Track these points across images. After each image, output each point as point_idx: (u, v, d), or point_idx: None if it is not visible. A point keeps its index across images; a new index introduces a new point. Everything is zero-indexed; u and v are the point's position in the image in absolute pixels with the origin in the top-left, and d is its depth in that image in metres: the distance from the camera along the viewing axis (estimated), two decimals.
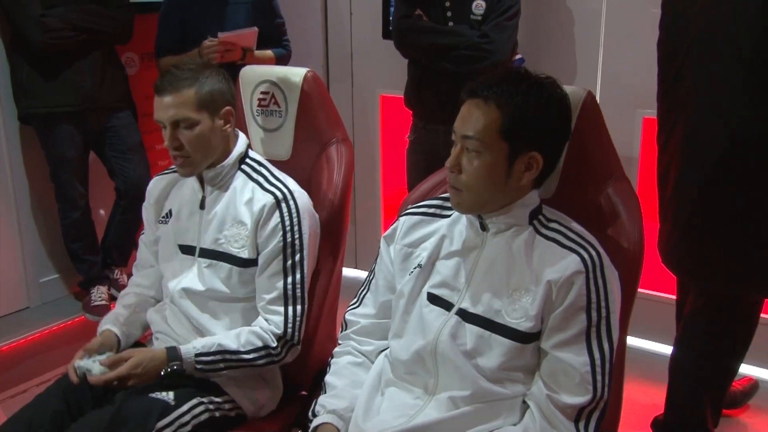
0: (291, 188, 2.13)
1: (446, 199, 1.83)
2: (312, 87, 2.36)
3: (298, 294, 2.09)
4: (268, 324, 2.07)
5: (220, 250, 2.12)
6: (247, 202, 2.10)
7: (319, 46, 4.31)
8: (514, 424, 1.67)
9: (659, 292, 3.45)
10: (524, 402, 1.68)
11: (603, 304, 1.60)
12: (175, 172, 2.22)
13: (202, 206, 2.16)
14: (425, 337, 1.71)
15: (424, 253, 1.80)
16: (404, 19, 3.22)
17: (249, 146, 2.22)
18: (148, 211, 2.31)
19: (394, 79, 3.71)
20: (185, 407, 1.98)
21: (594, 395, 1.59)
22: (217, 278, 2.12)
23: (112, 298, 3.79)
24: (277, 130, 2.40)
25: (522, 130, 1.61)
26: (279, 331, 2.06)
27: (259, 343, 2.05)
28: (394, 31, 3.30)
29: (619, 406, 1.87)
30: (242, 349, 2.03)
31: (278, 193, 2.10)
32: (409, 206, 1.93)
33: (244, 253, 2.10)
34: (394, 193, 4.22)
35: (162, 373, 1.97)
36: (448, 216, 1.82)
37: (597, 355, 1.59)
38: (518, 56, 3.35)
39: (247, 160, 2.19)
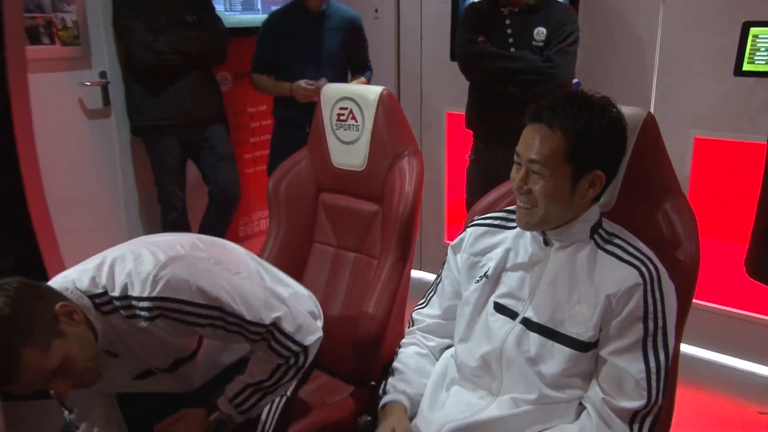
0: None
1: (510, 212, 1.74)
2: (387, 104, 2.31)
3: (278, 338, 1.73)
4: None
5: None
6: None
7: (391, 66, 4.28)
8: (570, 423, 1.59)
9: (712, 303, 3.32)
10: (580, 404, 1.59)
11: (660, 315, 1.50)
12: None
13: None
14: (491, 343, 1.63)
15: (491, 263, 1.70)
16: (470, 45, 3.12)
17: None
18: None
19: (459, 98, 3.61)
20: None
21: (648, 400, 1.49)
22: None
23: None
24: (354, 143, 2.35)
25: (585, 152, 1.50)
26: (281, 361, 1.76)
27: (272, 365, 1.77)
28: (460, 56, 3.20)
29: (671, 410, 1.76)
30: (264, 377, 1.77)
31: (144, 314, 1.61)
32: (476, 217, 1.83)
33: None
34: (456, 201, 4.14)
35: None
36: (513, 227, 1.72)
37: (653, 363, 1.50)
38: (575, 80, 3.24)
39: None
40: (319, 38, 3.45)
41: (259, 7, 4.01)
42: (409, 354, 1.82)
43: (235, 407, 1.77)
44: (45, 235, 2.73)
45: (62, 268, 2.07)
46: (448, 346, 1.82)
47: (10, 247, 2.98)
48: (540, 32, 3.03)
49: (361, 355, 2.13)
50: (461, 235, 1.81)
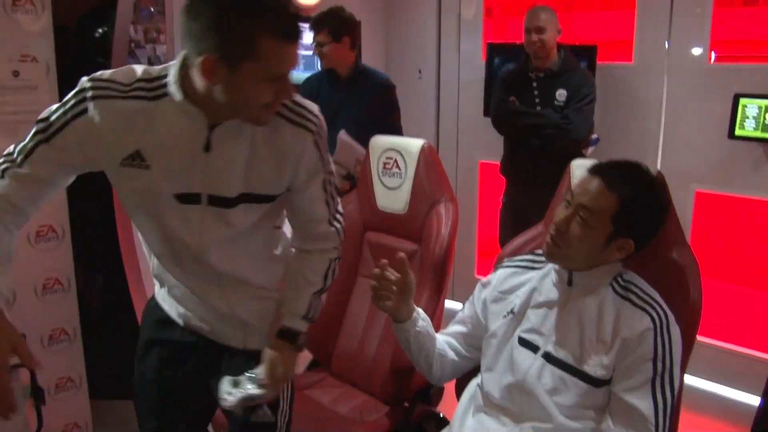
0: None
1: (537, 255, 1.70)
2: (427, 155, 2.27)
3: (339, 208, 1.58)
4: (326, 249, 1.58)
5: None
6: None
7: (432, 120, 4.25)
8: None
9: (711, 339, 3.22)
10: None
11: (668, 357, 1.44)
12: None
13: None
14: (515, 375, 1.56)
15: (517, 300, 1.64)
16: (502, 104, 3.17)
17: None
18: None
19: (490, 149, 3.63)
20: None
21: None
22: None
23: None
24: (397, 189, 2.31)
25: (628, 221, 1.47)
26: (336, 244, 1.59)
27: (326, 265, 1.58)
28: (493, 113, 3.24)
29: None
30: (320, 281, 1.57)
31: (312, 126, 1.41)
32: (505, 260, 1.78)
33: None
34: (486, 239, 4.11)
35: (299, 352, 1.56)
36: (538, 269, 1.66)
37: (660, 401, 1.43)
38: (594, 136, 3.20)
39: None
40: (348, 104, 3.13)
41: (319, 67, 4.02)
42: None
43: (309, 320, 1.56)
44: (129, 256, 2.74)
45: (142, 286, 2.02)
46: (455, 350, 1.74)
47: (101, 267, 3.01)
48: (561, 94, 3.06)
49: (397, 378, 2.07)
50: (491, 276, 1.75)
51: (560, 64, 3.07)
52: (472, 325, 1.74)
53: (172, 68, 1.31)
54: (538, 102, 3.10)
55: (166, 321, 1.61)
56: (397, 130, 3.22)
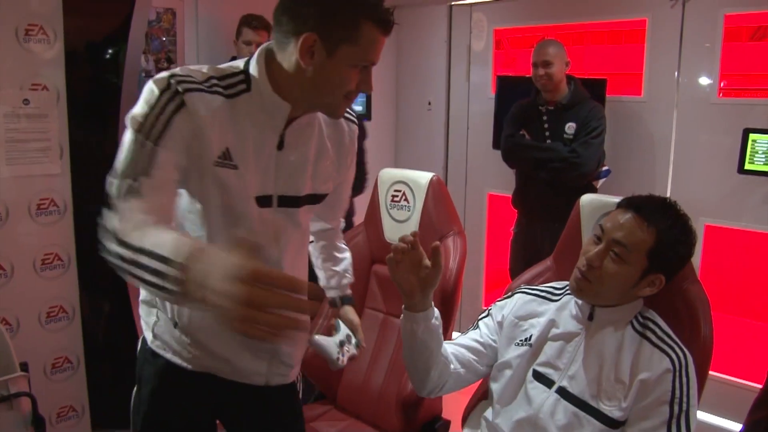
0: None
1: (555, 287, 1.67)
2: (436, 188, 2.26)
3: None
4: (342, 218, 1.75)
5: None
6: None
7: (441, 152, 4.25)
8: None
9: (721, 373, 3.16)
10: None
11: (685, 399, 1.41)
12: None
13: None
14: (527, 411, 1.52)
15: (532, 330, 1.60)
16: (510, 138, 3.19)
17: None
18: None
19: (499, 181, 3.61)
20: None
21: None
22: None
23: None
24: (405, 222, 2.30)
25: (663, 255, 1.45)
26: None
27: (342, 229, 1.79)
28: (502, 147, 3.26)
29: None
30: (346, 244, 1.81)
31: (356, 121, 1.52)
32: (522, 286, 1.75)
33: None
34: (494, 271, 4.08)
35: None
36: (556, 300, 1.63)
37: None
38: (605, 167, 3.18)
39: None
40: None
41: None
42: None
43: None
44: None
45: None
46: (462, 362, 1.65)
47: (106, 296, 2.99)
48: (570, 126, 3.05)
49: (403, 411, 2.04)
50: (508, 299, 1.71)
51: (570, 96, 3.07)
52: (486, 344, 1.68)
53: (251, 63, 1.30)
54: (548, 135, 3.10)
55: (168, 369, 1.48)
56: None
